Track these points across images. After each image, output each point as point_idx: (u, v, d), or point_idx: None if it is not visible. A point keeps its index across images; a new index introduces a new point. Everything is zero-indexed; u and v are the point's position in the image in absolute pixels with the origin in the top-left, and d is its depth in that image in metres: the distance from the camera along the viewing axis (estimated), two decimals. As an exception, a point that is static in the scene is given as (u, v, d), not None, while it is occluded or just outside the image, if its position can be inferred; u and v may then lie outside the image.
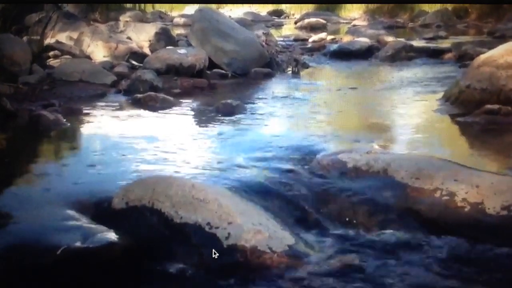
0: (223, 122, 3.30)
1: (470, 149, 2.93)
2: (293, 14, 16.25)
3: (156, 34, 6.23)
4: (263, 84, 4.84)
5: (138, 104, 3.78)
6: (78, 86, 4.23)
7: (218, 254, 1.62)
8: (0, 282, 1.50)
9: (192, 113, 3.75)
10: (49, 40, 5.28)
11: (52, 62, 4.88)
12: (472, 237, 1.78)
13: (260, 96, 4.21)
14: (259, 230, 1.67)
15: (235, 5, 16.69)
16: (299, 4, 16.06)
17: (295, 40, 8.31)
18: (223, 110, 3.55)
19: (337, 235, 1.83)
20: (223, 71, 5.08)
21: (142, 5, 13.67)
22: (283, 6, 17.20)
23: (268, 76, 5.13)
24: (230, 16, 8.20)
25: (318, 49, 7.15)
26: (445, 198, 1.91)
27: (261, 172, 2.23)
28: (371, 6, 14.48)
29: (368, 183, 2.07)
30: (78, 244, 1.58)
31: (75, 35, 5.86)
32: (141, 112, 3.62)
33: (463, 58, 5.90)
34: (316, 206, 1.99)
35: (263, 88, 4.68)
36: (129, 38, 6.12)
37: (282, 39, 7.55)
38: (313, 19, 12.16)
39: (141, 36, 6.33)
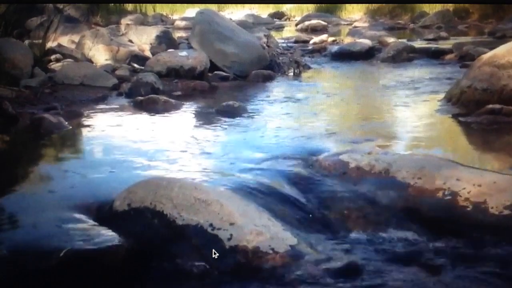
0: (224, 124, 3.30)
1: (472, 149, 2.93)
2: (294, 16, 16.25)
3: (157, 37, 6.25)
4: (264, 86, 4.84)
5: (140, 106, 3.79)
6: (80, 89, 4.24)
7: (220, 255, 1.62)
8: (4, 284, 1.50)
9: (194, 115, 3.76)
10: (50, 44, 5.29)
11: (53, 65, 4.88)
12: (475, 237, 1.77)
13: (261, 98, 4.21)
14: (260, 231, 1.67)
15: (236, 7, 16.72)
16: (300, 7, 16.07)
17: (296, 42, 8.31)
18: (224, 112, 3.55)
19: (339, 236, 1.83)
20: (224, 73, 5.08)
21: (143, 8, 13.69)
22: (284, 8, 17.21)
23: (269, 78, 5.13)
24: (231, 19, 8.20)
25: (319, 50, 7.15)
26: (448, 197, 1.90)
27: (263, 173, 2.23)
28: (371, 7, 14.49)
29: (370, 183, 2.07)
30: (81, 246, 1.58)
31: (76, 38, 5.87)
32: (143, 114, 3.63)
33: (464, 59, 5.89)
34: (318, 207, 1.99)
35: (264, 89, 4.68)
36: (130, 41, 6.15)
37: (283, 41, 7.55)
38: (314, 21, 12.15)
39: (142, 39, 6.36)
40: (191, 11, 13.03)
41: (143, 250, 1.68)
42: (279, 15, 16.70)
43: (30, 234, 1.68)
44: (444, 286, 1.54)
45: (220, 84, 4.84)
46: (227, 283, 1.57)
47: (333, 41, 8.03)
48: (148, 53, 5.71)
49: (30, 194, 2.13)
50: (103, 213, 1.86)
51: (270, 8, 17.23)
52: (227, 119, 3.40)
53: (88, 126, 3.30)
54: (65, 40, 5.96)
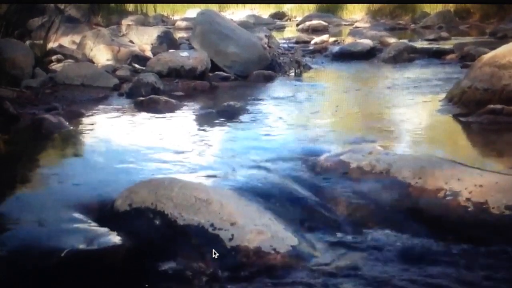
0: (225, 124, 3.30)
1: (473, 149, 2.93)
2: (295, 17, 16.24)
3: (158, 37, 6.26)
4: (265, 86, 4.84)
5: (141, 107, 3.79)
6: (80, 90, 4.24)
7: (221, 255, 1.62)
8: (5, 284, 1.50)
9: (195, 115, 3.75)
10: (51, 44, 5.30)
11: (54, 66, 4.89)
12: (476, 237, 1.77)
13: (262, 98, 4.21)
14: (262, 231, 1.67)
15: (237, 8, 16.73)
16: (301, 7, 16.07)
17: (297, 42, 8.30)
18: (225, 112, 3.55)
19: (340, 236, 1.83)
20: (225, 73, 5.08)
21: (144, 8, 13.70)
22: (285, 9, 17.21)
23: (270, 78, 5.13)
24: (232, 19, 8.20)
25: (320, 51, 7.15)
26: (449, 197, 1.90)
27: (264, 173, 2.22)
28: (372, 7, 14.47)
29: (371, 183, 2.06)
30: (82, 246, 1.58)
31: (77, 39, 5.88)
32: (144, 114, 3.63)
33: (465, 59, 5.89)
34: (319, 207, 1.99)
35: (265, 90, 4.68)
36: (131, 41, 6.15)
37: (284, 41, 7.55)
38: (315, 21, 12.14)
39: (143, 39, 6.36)
40: (192, 11, 13.05)
41: (144, 250, 1.68)
42: (280, 16, 16.69)
43: (31, 234, 1.68)
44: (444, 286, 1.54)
45: (221, 84, 4.84)
46: (228, 283, 1.57)
47: (334, 41, 8.03)
48: (149, 54, 5.71)
49: (30, 194, 2.13)
50: (104, 213, 1.86)
51: (271, 9, 17.23)
52: (228, 120, 3.39)
53: (89, 126, 3.30)
54: (66, 41, 5.96)
